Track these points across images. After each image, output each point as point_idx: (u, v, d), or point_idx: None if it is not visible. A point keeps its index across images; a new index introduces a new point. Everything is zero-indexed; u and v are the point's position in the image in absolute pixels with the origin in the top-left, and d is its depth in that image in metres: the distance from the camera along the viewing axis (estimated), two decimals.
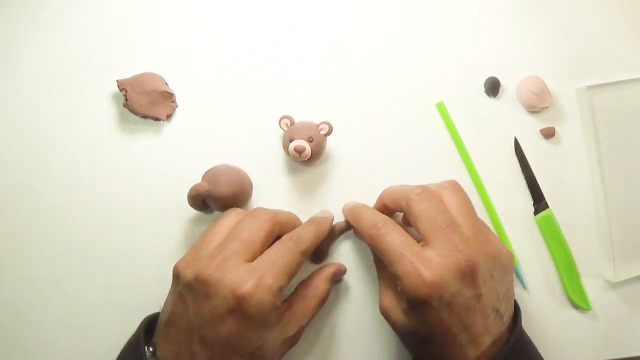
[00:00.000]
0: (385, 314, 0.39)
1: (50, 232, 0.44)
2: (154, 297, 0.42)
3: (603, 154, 0.48)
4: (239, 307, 0.33)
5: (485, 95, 0.49)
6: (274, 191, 0.46)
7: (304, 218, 0.45)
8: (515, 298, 0.39)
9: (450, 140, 0.48)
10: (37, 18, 0.47)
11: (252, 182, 0.44)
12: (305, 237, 0.38)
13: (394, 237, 0.36)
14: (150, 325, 0.38)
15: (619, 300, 0.48)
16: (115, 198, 0.45)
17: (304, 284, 0.41)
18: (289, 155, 0.43)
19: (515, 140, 0.48)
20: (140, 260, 0.44)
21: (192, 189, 0.41)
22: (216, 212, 0.44)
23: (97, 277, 0.44)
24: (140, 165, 0.45)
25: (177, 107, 0.46)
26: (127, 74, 0.45)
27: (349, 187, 0.46)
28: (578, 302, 0.46)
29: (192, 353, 0.35)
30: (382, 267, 0.40)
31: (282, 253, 0.36)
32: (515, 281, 0.46)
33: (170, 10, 0.48)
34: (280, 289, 0.35)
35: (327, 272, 0.42)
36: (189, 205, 0.42)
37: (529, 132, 0.49)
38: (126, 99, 0.44)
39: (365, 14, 0.49)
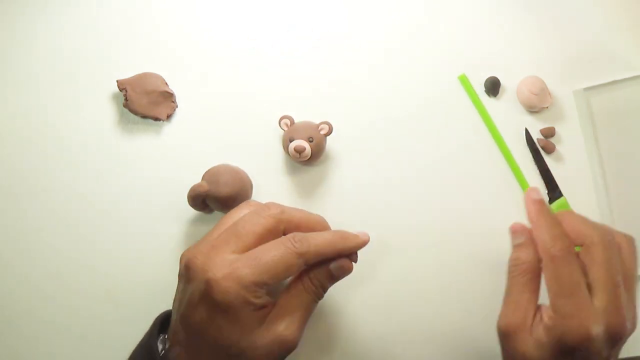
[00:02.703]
0: (511, 333, 0.35)
1: (50, 232, 0.44)
2: (154, 296, 0.42)
3: (603, 154, 0.48)
4: (207, 293, 0.32)
5: (485, 95, 0.49)
6: (274, 191, 0.46)
7: None
8: None
9: (450, 141, 0.48)
10: (37, 18, 0.47)
11: (252, 182, 0.44)
12: (311, 241, 0.34)
13: (574, 269, 0.34)
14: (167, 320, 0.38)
15: None
16: (115, 198, 0.45)
17: (298, 276, 0.37)
18: (289, 155, 0.43)
19: (527, 130, 0.48)
20: (140, 260, 0.44)
21: (192, 189, 0.41)
22: (216, 212, 0.44)
23: (97, 276, 0.44)
24: (140, 165, 0.45)
25: (177, 107, 0.46)
26: (127, 74, 0.45)
27: (349, 187, 0.46)
28: None
29: (174, 332, 0.35)
30: (533, 285, 0.37)
31: (272, 250, 0.33)
32: None
33: (171, 10, 0.48)
34: (257, 285, 0.32)
35: (326, 265, 0.37)
36: (188, 205, 0.42)
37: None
38: (126, 99, 0.44)
39: (365, 15, 0.49)
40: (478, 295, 0.45)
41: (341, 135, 0.46)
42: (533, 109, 0.49)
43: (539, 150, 0.48)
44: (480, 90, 0.49)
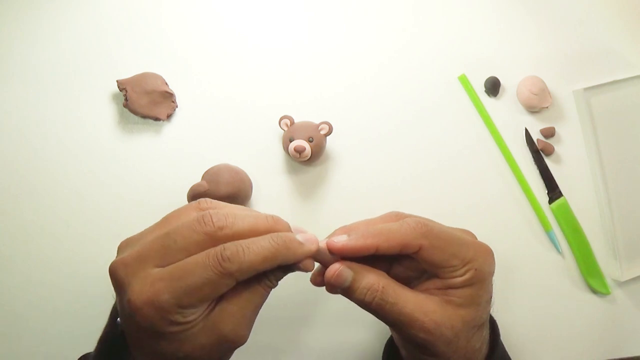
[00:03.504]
0: (436, 331, 0.32)
1: (50, 232, 0.44)
2: None
3: (603, 154, 0.48)
4: (131, 316, 0.30)
5: (485, 95, 0.49)
6: (274, 191, 0.46)
7: (303, 218, 0.45)
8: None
9: (450, 140, 0.48)
10: (37, 18, 0.47)
11: (252, 182, 0.44)
12: (243, 258, 0.30)
13: (438, 228, 0.33)
14: None
15: (625, 298, 0.48)
16: (115, 198, 0.45)
17: None
18: (289, 155, 0.43)
19: (526, 130, 0.48)
20: None
21: (191, 189, 0.41)
22: None
23: (96, 277, 0.44)
24: (140, 165, 0.45)
25: (177, 107, 0.46)
26: (127, 74, 0.45)
27: (349, 187, 0.46)
28: (597, 287, 0.47)
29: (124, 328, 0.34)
30: (403, 293, 0.33)
31: (195, 270, 0.29)
32: (550, 246, 0.48)
33: (171, 10, 0.48)
34: (181, 307, 0.30)
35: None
36: None
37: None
38: (126, 99, 0.44)
39: (365, 15, 0.49)
40: None
41: (341, 135, 0.46)
42: (533, 109, 0.49)
43: (539, 150, 0.48)
44: (480, 90, 0.49)
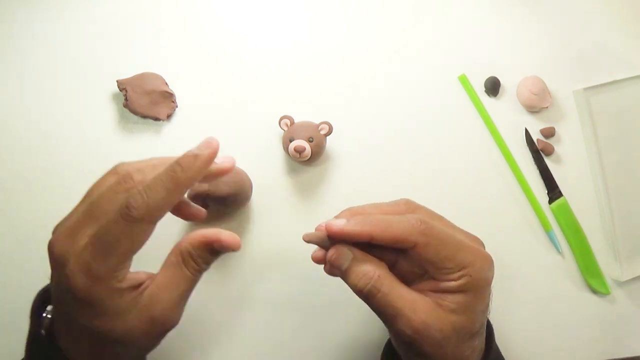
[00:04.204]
0: (424, 330, 0.31)
1: (50, 232, 0.44)
2: None
3: (603, 154, 0.48)
4: (68, 289, 0.30)
5: (485, 95, 0.49)
6: (274, 191, 0.46)
7: (303, 218, 0.45)
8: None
9: (450, 140, 0.48)
10: (37, 18, 0.47)
11: (252, 182, 0.44)
12: (145, 198, 0.30)
13: (438, 228, 0.33)
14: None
15: (625, 298, 0.48)
16: None
17: (176, 250, 0.33)
18: (289, 155, 0.43)
19: (526, 130, 0.48)
20: (139, 260, 0.44)
21: (192, 189, 0.41)
22: (216, 212, 0.44)
23: None
24: None
25: (177, 107, 0.46)
26: (127, 74, 0.45)
27: (349, 187, 0.46)
28: (597, 287, 0.47)
29: (55, 318, 0.34)
30: (398, 286, 0.33)
31: (110, 226, 0.30)
32: (550, 246, 0.47)
33: (170, 10, 0.48)
34: (112, 271, 0.30)
35: (201, 237, 0.33)
36: None
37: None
38: (126, 99, 0.44)
39: (365, 15, 0.49)
40: None
41: (341, 135, 0.46)
42: (533, 109, 0.49)
43: (539, 150, 0.48)
44: (480, 90, 0.49)
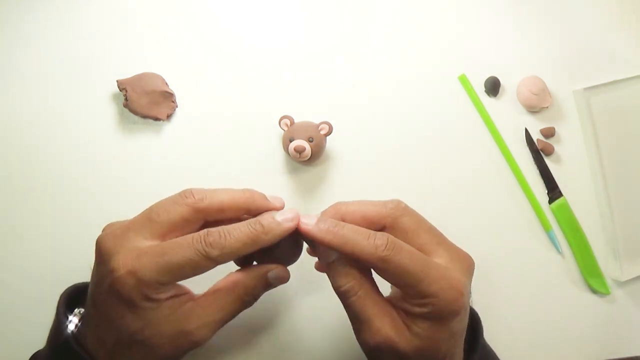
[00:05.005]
0: (386, 345, 0.32)
1: (50, 232, 0.44)
2: None
3: (603, 154, 0.48)
4: (111, 284, 0.31)
5: (485, 95, 0.49)
6: (274, 191, 0.46)
7: None
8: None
9: (450, 140, 0.48)
10: (37, 18, 0.47)
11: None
12: (223, 241, 0.32)
13: (406, 251, 0.32)
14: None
15: (625, 298, 0.48)
16: (115, 198, 0.45)
17: (232, 279, 0.35)
18: (289, 155, 0.43)
19: (526, 130, 0.49)
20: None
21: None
22: None
23: None
24: (140, 165, 0.45)
25: (177, 107, 0.46)
26: (127, 74, 0.45)
27: (349, 187, 0.46)
28: (597, 287, 0.47)
29: (87, 310, 0.35)
30: (374, 295, 0.34)
31: (181, 250, 0.31)
32: (550, 246, 0.47)
33: (170, 10, 0.48)
34: (160, 284, 0.31)
35: (258, 270, 0.35)
36: None
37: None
38: (126, 99, 0.44)
39: (365, 15, 0.49)
40: (478, 294, 0.45)
41: (341, 135, 0.46)
42: (533, 109, 0.49)
43: (539, 150, 0.48)
44: (480, 90, 0.49)
